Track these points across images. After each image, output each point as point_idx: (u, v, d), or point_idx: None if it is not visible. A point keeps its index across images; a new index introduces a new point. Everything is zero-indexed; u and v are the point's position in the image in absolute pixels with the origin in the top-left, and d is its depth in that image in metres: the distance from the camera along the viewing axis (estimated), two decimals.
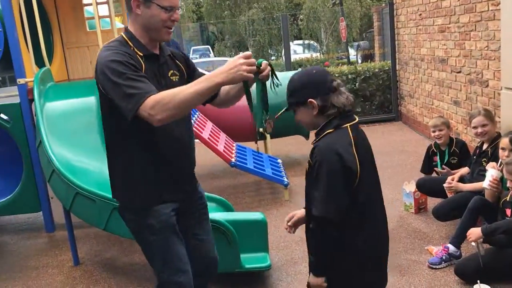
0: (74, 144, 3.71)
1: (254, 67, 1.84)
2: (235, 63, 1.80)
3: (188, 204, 2.23)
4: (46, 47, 4.37)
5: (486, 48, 4.86)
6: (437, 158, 4.31)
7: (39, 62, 4.41)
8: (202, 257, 2.31)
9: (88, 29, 5.21)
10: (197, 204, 2.30)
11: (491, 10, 4.63)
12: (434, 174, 4.37)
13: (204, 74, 2.12)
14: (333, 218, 1.78)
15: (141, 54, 1.99)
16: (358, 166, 1.79)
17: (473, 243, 3.01)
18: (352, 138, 1.82)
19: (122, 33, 2.05)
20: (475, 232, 2.98)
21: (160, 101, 1.80)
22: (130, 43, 2.00)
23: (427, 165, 4.43)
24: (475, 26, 5.06)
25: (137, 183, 2.08)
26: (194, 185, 2.29)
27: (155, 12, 1.96)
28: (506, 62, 3.87)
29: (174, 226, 2.14)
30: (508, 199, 3.12)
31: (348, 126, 1.84)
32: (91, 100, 4.02)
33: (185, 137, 2.16)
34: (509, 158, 3.16)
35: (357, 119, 1.90)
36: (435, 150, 4.34)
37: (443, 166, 4.20)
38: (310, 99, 1.84)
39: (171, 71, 2.10)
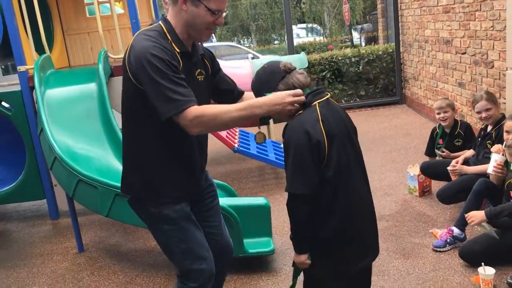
0: (75, 131, 3.69)
1: (298, 105, 1.88)
2: (282, 99, 1.83)
3: (200, 195, 2.22)
4: (46, 34, 4.33)
5: (491, 28, 4.78)
6: (442, 141, 4.27)
7: (40, 49, 4.38)
8: (217, 243, 2.28)
9: (88, 15, 5.16)
10: (208, 192, 2.28)
11: None
12: (438, 158, 4.34)
13: (227, 76, 2.21)
14: (300, 194, 1.82)
15: (179, 51, 1.93)
16: (326, 142, 1.81)
17: (476, 226, 2.99)
18: (319, 114, 1.85)
19: (161, 23, 1.96)
20: (478, 215, 2.97)
21: (201, 116, 1.81)
22: (169, 36, 1.93)
23: (432, 148, 4.39)
24: (480, 6, 4.97)
25: (156, 178, 2.02)
26: (206, 177, 2.27)
27: (202, 13, 1.89)
28: None
29: (190, 215, 2.10)
30: None
31: (317, 103, 1.88)
32: (92, 87, 3.99)
33: (204, 135, 2.17)
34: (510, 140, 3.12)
35: (328, 95, 1.94)
36: (439, 132, 4.30)
37: (443, 149, 4.16)
38: (275, 89, 1.90)
39: (198, 70, 2.05)
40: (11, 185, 4.52)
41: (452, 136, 4.20)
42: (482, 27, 4.98)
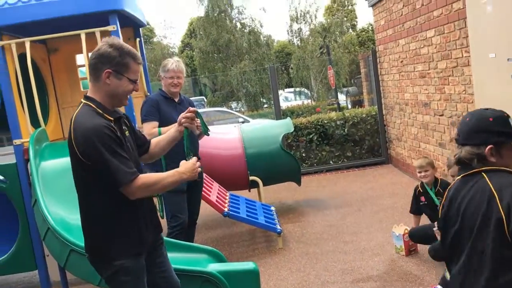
0: (69, 201, 3.78)
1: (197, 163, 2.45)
2: (194, 166, 2.41)
3: (153, 245, 2.52)
4: (42, 108, 4.53)
5: (464, 92, 5.08)
6: (424, 198, 4.41)
7: (35, 123, 4.56)
8: (168, 285, 2.59)
9: (82, 89, 5.40)
10: (159, 243, 2.59)
11: (465, 56, 4.88)
12: (422, 215, 4.46)
13: (139, 132, 2.66)
14: None
15: (111, 119, 2.28)
16: None
17: None
18: None
19: (86, 102, 2.29)
20: None
21: (146, 183, 2.25)
22: (99, 110, 2.26)
23: (415, 206, 4.53)
24: (452, 71, 5.30)
25: (116, 234, 2.32)
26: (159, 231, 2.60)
27: (124, 84, 2.29)
28: (480, 105, 4.06)
29: (144, 268, 2.41)
30: None
31: None
32: None
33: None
34: None
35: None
36: (421, 190, 4.45)
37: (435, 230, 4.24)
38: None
39: (124, 127, 2.42)
40: (3, 257, 4.53)
41: (433, 193, 4.34)
42: (455, 91, 5.28)
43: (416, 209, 4.51)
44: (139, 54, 2.38)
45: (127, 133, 2.42)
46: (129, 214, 2.33)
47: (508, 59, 3.40)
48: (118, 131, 2.27)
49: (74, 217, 3.67)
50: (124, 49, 2.27)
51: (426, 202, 4.38)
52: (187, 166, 2.40)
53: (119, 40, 2.35)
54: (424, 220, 4.50)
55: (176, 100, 4.34)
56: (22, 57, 4.34)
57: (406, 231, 4.30)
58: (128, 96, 2.38)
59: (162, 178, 2.33)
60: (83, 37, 4.24)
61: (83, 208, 2.38)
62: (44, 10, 4.13)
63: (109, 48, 2.25)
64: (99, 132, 2.15)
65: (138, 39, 5.27)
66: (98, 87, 2.29)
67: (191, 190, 4.27)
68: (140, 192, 2.24)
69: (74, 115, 2.26)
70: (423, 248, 4.14)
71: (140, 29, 5.38)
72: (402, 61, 7.01)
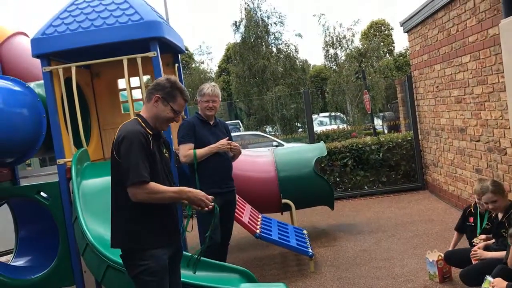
0: (107, 219, 3.88)
1: (209, 204, 2.74)
2: (198, 196, 2.71)
3: (175, 248, 2.84)
4: (84, 130, 4.76)
5: (500, 118, 5.01)
6: (472, 219, 4.35)
7: (77, 143, 4.79)
8: None
9: (123, 112, 5.63)
10: (179, 252, 2.92)
11: (501, 81, 4.83)
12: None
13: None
14: None
15: (151, 133, 2.73)
16: None
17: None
18: None
19: (136, 117, 2.82)
20: (501, 284, 3.10)
21: (153, 190, 2.59)
22: (143, 124, 2.75)
23: (461, 224, 4.48)
24: (488, 97, 5.24)
25: (141, 229, 2.67)
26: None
27: (168, 111, 2.77)
28: None
29: (167, 269, 2.72)
30: None
31: None
32: None
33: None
34: None
35: None
36: (472, 211, 4.38)
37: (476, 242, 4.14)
38: None
39: (164, 150, 2.89)
40: (44, 271, 4.72)
41: (486, 218, 4.24)
42: (492, 116, 5.22)
43: (462, 228, 4.46)
44: (187, 93, 2.87)
45: (166, 154, 2.88)
46: (160, 211, 2.71)
47: None
48: (153, 145, 2.69)
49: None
50: (177, 84, 2.78)
51: (473, 224, 4.32)
52: (197, 191, 2.74)
53: (176, 78, 2.84)
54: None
55: (211, 123, 4.48)
56: (67, 81, 4.60)
57: (440, 258, 4.24)
58: (169, 124, 2.85)
59: (165, 190, 2.65)
60: (125, 62, 4.46)
61: (115, 205, 2.73)
62: (89, 38, 4.38)
63: (165, 81, 2.78)
64: (135, 135, 2.61)
65: (176, 65, 5.48)
66: (147, 108, 2.79)
67: (224, 210, 4.35)
68: (145, 197, 2.58)
69: (123, 123, 2.77)
70: (457, 275, 4.06)
71: (179, 55, 5.59)
72: (437, 86, 6.97)
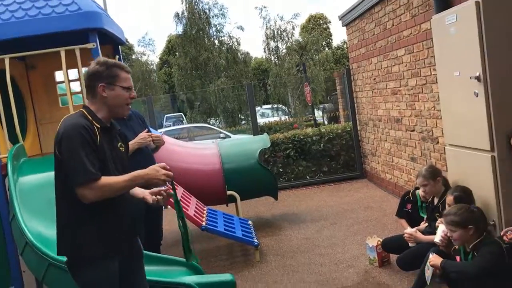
0: (46, 216, 3.81)
1: (171, 174, 2.41)
2: (156, 170, 2.38)
3: (129, 255, 2.59)
4: (20, 124, 4.56)
5: (433, 108, 5.30)
6: (410, 206, 4.58)
7: (13, 139, 4.58)
8: None
9: (61, 105, 5.44)
10: (136, 254, 2.66)
11: (433, 74, 5.10)
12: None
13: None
14: None
15: (98, 126, 2.42)
16: None
17: (427, 267, 3.26)
18: None
19: (81, 109, 2.49)
20: (437, 260, 3.26)
21: (103, 185, 2.29)
22: (88, 116, 2.43)
23: (401, 210, 4.70)
24: (422, 88, 5.52)
25: (91, 237, 2.39)
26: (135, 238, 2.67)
27: (119, 92, 2.47)
28: (446, 120, 4.25)
29: (117, 276, 2.49)
30: (456, 248, 3.37)
31: None
32: None
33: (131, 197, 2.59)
34: (446, 210, 3.45)
35: None
36: (411, 198, 4.60)
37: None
38: None
39: (119, 143, 2.58)
40: None
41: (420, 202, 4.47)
42: (425, 107, 5.50)
43: (401, 213, 4.68)
44: (124, 64, 2.59)
45: (122, 148, 2.58)
46: (108, 217, 2.43)
47: (470, 77, 3.60)
48: (101, 139, 2.39)
49: (52, 232, 3.67)
50: (109, 62, 2.50)
51: (410, 211, 4.54)
52: (150, 168, 2.41)
53: (104, 58, 2.56)
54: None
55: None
56: (0, 74, 4.38)
57: (379, 243, 4.44)
58: (129, 106, 2.56)
59: (117, 180, 2.36)
60: (63, 54, 4.31)
61: (60, 209, 2.46)
62: (25, 28, 4.20)
63: (96, 66, 2.48)
64: (75, 130, 2.31)
65: (117, 56, 5.36)
66: (95, 101, 2.48)
67: (150, 215, 4.17)
68: (92, 195, 2.28)
69: (64, 117, 2.45)
70: (395, 259, 4.27)
71: (119, 46, 5.47)
72: (374, 79, 7.24)
